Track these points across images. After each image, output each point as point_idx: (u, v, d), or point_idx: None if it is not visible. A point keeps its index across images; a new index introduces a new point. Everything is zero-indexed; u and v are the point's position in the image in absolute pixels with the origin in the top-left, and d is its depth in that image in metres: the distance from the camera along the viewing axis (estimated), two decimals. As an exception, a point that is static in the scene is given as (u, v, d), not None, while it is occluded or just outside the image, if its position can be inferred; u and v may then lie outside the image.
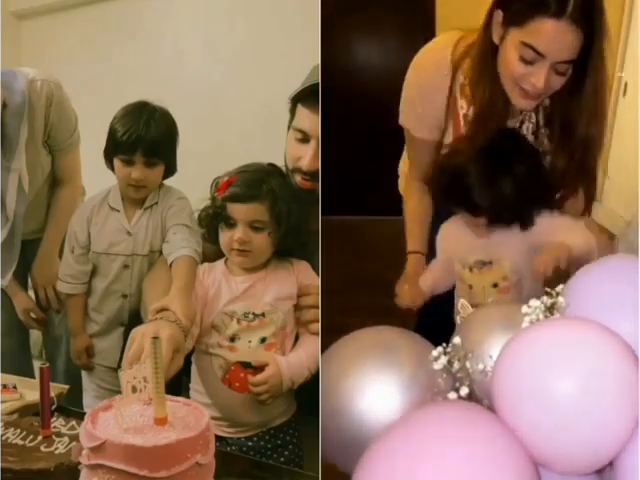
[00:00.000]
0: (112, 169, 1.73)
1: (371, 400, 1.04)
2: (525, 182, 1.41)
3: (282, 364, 1.48)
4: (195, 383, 1.57)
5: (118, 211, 1.75)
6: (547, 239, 1.43)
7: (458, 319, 1.34)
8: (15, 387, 1.49)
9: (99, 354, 1.81)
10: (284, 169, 1.60)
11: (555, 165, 1.48)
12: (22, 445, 1.14)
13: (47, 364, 1.22)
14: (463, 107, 1.52)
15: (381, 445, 0.87)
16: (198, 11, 2.64)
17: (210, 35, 2.61)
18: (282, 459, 1.53)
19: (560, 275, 1.32)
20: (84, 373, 1.85)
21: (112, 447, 0.88)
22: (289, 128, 1.58)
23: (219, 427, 1.50)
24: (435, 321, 1.52)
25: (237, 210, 1.51)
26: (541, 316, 0.99)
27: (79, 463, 0.93)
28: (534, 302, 1.00)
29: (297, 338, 1.57)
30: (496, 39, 1.40)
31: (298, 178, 1.55)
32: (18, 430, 1.18)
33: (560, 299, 1.00)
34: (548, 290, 1.01)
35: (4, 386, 1.48)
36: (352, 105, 3.83)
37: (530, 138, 1.52)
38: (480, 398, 1.00)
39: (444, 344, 1.04)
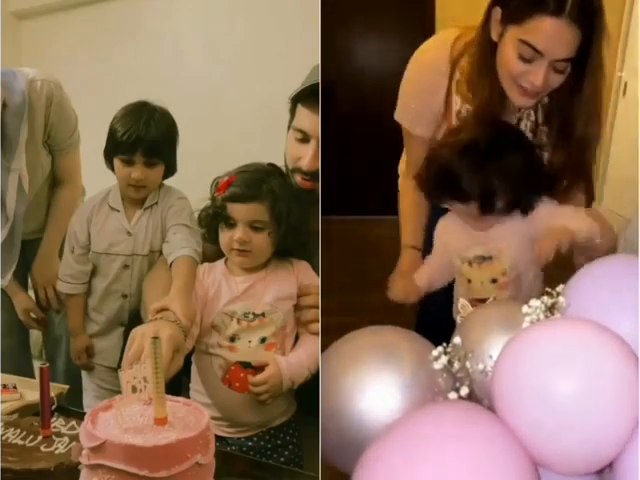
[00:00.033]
0: (112, 169, 1.74)
1: (371, 400, 1.04)
2: (516, 168, 1.40)
3: (282, 364, 1.48)
4: (195, 383, 1.57)
5: (118, 211, 1.75)
6: (552, 227, 1.43)
7: (458, 319, 1.34)
8: (15, 387, 1.49)
9: (99, 354, 1.81)
10: (284, 169, 1.60)
11: (552, 162, 1.48)
12: (22, 445, 1.14)
13: (47, 364, 1.22)
14: (457, 103, 1.51)
15: (381, 445, 0.87)
16: (198, 11, 2.64)
17: (210, 35, 2.61)
18: (282, 459, 1.53)
19: (563, 260, 1.32)
20: (84, 373, 1.85)
21: (112, 447, 0.88)
22: (289, 128, 1.58)
23: (219, 427, 1.50)
24: (435, 321, 1.52)
25: (237, 210, 1.51)
26: (541, 316, 0.99)
27: (79, 463, 0.93)
28: (534, 302, 1.00)
29: (297, 338, 1.57)
30: (495, 36, 1.39)
31: (298, 178, 1.55)
32: (18, 430, 1.18)
33: (560, 299, 1.00)
34: (549, 290, 1.01)
35: (4, 386, 1.48)
36: (352, 105, 3.83)
37: (528, 136, 1.51)
38: (480, 398, 1.01)
39: (444, 344, 1.04)
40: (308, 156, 1.51)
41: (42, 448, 1.13)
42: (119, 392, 0.98)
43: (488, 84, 1.43)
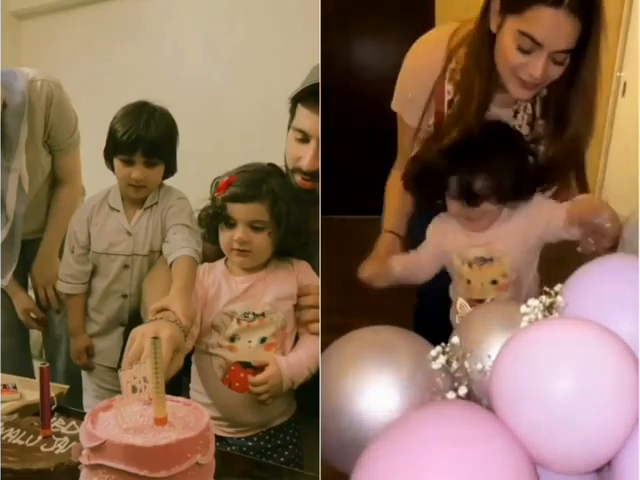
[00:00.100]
0: (112, 169, 1.74)
1: (370, 400, 1.04)
2: (505, 166, 1.40)
3: (282, 364, 1.48)
4: (195, 383, 1.57)
5: (118, 211, 1.76)
6: (551, 224, 1.43)
7: (457, 318, 1.34)
8: (15, 387, 1.49)
9: (99, 354, 1.81)
10: (284, 169, 1.60)
11: (547, 155, 1.48)
12: (22, 445, 1.14)
13: (47, 364, 1.22)
14: (450, 92, 1.50)
15: (380, 445, 0.87)
16: (198, 11, 2.64)
17: (210, 35, 2.61)
18: (282, 459, 1.53)
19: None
20: (84, 373, 1.85)
21: (112, 447, 0.88)
22: (289, 128, 1.58)
23: (219, 427, 1.50)
24: (434, 320, 1.52)
25: (237, 210, 1.51)
26: (540, 316, 0.99)
27: (79, 463, 0.93)
28: (533, 302, 1.00)
29: (297, 338, 1.57)
30: (493, 27, 1.38)
31: (298, 178, 1.55)
32: (18, 430, 1.19)
33: (559, 299, 1.00)
34: (547, 289, 1.01)
35: (4, 386, 1.48)
36: (352, 105, 3.83)
37: (525, 129, 1.51)
38: (479, 398, 1.01)
39: (443, 344, 1.05)
40: (308, 156, 1.51)
41: (42, 448, 1.13)
42: (119, 392, 0.98)
43: (481, 75, 1.41)
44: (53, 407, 1.24)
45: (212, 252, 1.62)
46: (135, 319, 1.63)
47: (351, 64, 4.15)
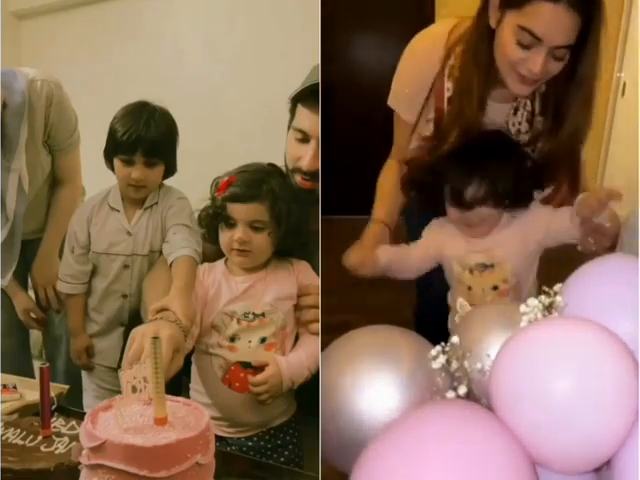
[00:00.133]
0: (112, 169, 1.74)
1: (370, 399, 1.04)
2: (501, 174, 1.41)
3: (282, 364, 1.48)
4: (195, 383, 1.57)
5: (118, 211, 1.76)
6: (551, 228, 1.44)
7: (457, 318, 1.34)
8: (15, 387, 1.49)
9: (99, 354, 1.81)
10: (284, 169, 1.60)
11: (544, 152, 1.48)
12: (22, 445, 1.14)
13: (47, 364, 1.22)
14: (449, 89, 1.49)
15: (379, 444, 0.88)
16: (198, 11, 2.64)
17: (210, 35, 2.61)
18: (282, 459, 1.53)
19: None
20: (84, 373, 1.85)
21: (112, 447, 0.88)
22: (289, 128, 1.58)
23: (219, 427, 1.50)
24: (434, 320, 1.52)
25: (237, 210, 1.51)
26: (539, 315, 0.99)
27: (79, 463, 0.93)
28: (532, 301, 1.00)
29: (297, 338, 1.57)
30: (493, 23, 1.37)
31: (298, 178, 1.55)
32: (18, 430, 1.19)
33: (558, 298, 1.00)
34: (546, 289, 1.01)
35: (4, 386, 1.48)
36: (352, 105, 3.83)
37: (525, 126, 1.51)
38: (478, 397, 1.01)
39: (442, 343, 1.05)
40: (308, 156, 1.51)
41: (42, 448, 1.13)
42: (119, 392, 0.98)
43: (483, 71, 1.41)
44: (53, 407, 1.24)
45: (212, 252, 1.62)
46: (135, 319, 1.63)
47: (351, 64, 4.15)
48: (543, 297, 1.00)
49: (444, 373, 1.03)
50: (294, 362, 1.50)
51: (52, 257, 1.96)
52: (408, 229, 1.67)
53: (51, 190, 2.00)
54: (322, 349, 1.19)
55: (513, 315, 1.04)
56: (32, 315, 2.01)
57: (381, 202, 1.64)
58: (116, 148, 1.69)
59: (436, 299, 1.58)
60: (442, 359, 1.02)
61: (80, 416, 1.13)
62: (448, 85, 1.49)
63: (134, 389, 0.96)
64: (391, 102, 1.60)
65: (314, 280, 1.55)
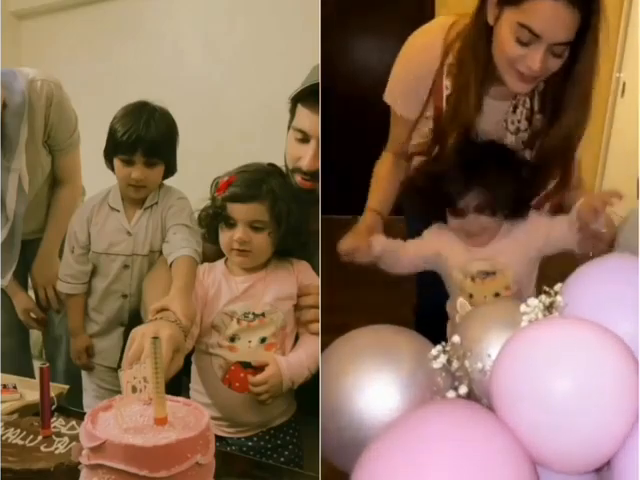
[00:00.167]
0: (112, 169, 1.74)
1: (370, 399, 1.04)
2: (500, 184, 1.42)
3: (282, 364, 1.48)
4: (195, 383, 1.57)
5: (118, 211, 1.76)
6: (551, 236, 1.44)
7: (457, 318, 1.34)
8: (15, 387, 1.49)
9: (99, 354, 1.81)
10: (284, 169, 1.60)
11: (541, 150, 1.47)
12: (22, 445, 1.14)
13: (47, 364, 1.22)
14: (447, 88, 1.49)
15: (380, 444, 0.88)
16: (198, 11, 2.64)
17: (210, 35, 2.61)
18: (282, 459, 1.53)
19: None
20: (84, 373, 1.85)
21: (112, 447, 0.88)
22: (289, 128, 1.58)
23: (219, 427, 1.50)
24: (434, 320, 1.52)
25: (237, 210, 1.51)
26: (540, 315, 0.99)
27: (79, 463, 0.93)
28: (532, 301, 1.00)
29: (297, 338, 1.57)
30: (491, 20, 1.36)
31: (298, 178, 1.55)
32: (18, 430, 1.18)
33: (558, 298, 1.00)
34: (546, 289, 1.01)
35: (4, 386, 1.48)
36: (352, 105, 3.83)
37: (524, 123, 1.50)
38: (479, 397, 1.01)
39: (443, 343, 1.05)
40: (308, 156, 1.51)
41: (42, 448, 1.13)
42: (119, 392, 0.98)
43: (481, 68, 1.41)
44: (53, 407, 1.24)
45: (212, 252, 1.62)
46: (135, 319, 1.63)
47: (351, 64, 4.14)
48: (543, 297, 1.00)
49: (445, 373, 1.03)
50: (294, 362, 1.50)
51: (52, 257, 1.96)
52: (409, 233, 1.67)
53: (51, 190, 2.00)
54: (322, 349, 1.19)
55: (513, 315, 1.04)
56: (32, 315, 2.01)
57: (375, 192, 1.66)
58: (116, 148, 1.69)
59: (436, 299, 1.58)
60: (443, 359, 1.02)
61: (80, 416, 1.13)
62: (447, 83, 1.49)
63: (134, 389, 0.96)
64: (387, 97, 1.61)
65: (314, 280, 1.55)
